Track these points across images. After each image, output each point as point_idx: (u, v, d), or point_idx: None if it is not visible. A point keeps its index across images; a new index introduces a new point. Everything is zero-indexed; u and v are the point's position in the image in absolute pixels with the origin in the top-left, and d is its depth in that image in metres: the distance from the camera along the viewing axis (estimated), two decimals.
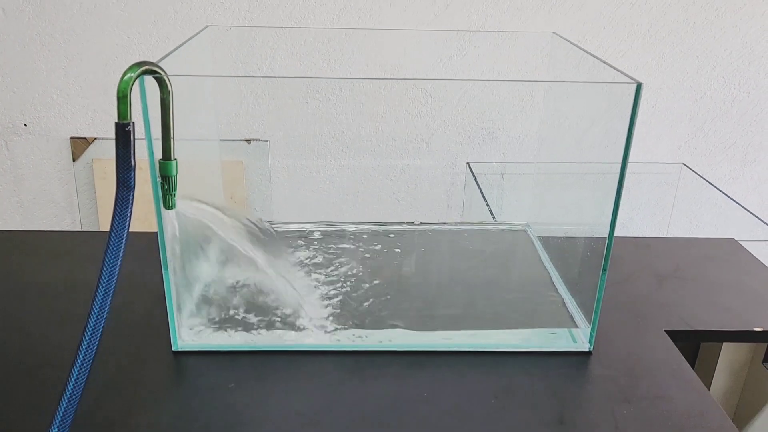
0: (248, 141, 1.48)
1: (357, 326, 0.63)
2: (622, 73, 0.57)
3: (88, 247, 0.81)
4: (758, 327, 0.67)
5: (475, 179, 1.44)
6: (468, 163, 1.47)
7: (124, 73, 0.49)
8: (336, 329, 0.62)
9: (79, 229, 1.51)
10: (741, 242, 1.16)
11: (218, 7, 1.38)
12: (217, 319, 0.63)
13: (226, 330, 0.62)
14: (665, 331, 0.66)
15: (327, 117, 1.47)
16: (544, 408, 0.55)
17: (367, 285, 0.68)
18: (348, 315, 0.64)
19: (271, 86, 1.44)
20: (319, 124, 1.47)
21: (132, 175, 0.50)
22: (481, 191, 1.42)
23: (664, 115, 1.50)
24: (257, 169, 1.49)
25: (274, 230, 0.76)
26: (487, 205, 1.36)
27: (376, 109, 1.46)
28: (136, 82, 0.50)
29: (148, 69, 0.51)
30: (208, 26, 0.75)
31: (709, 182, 1.43)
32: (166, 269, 0.57)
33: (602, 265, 0.60)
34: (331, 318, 0.63)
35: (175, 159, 0.55)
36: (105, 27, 1.38)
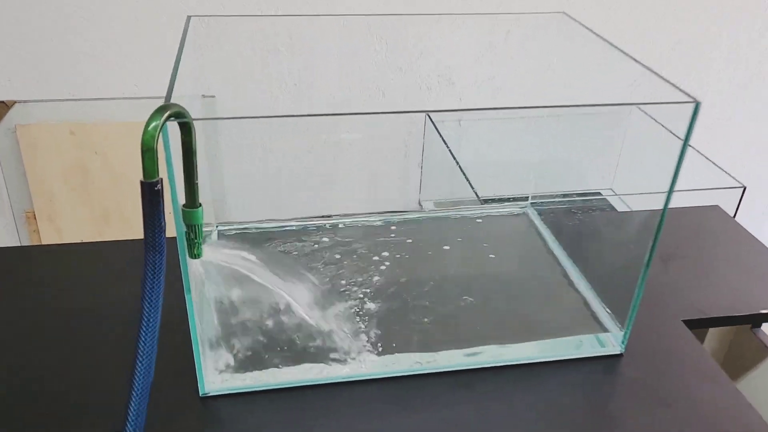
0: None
1: (386, 351, 0.60)
2: (679, 88, 0.55)
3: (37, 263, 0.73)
4: (764, 308, 0.70)
5: (437, 130, 1.40)
6: (427, 114, 1.43)
7: (148, 123, 0.42)
8: (368, 355, 0.60)
9: (7, 201, 1.37)
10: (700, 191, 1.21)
11: None
12: (245, 359, 0.58)
13: (255, 369, 0.58)
14: (683, 321, 0.68)
15: (276, 68, 1.37)
16: (588, 422, 0.56)
17: (383, 302, 0.66)
18: (376, 338, 0.61)
19: (214, 36, 1.32)
20: (268, 77, 1.37)
21: (162, 237, 0.44)
22: (444, 142, 1.39)
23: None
24: (204, 127, 1.39)
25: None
26: (453, 157, 1.34)
27: (330, 58, 1.38)
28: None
29: (172, 114, 0.43)
30: (191, 17, 0.65)
31: (662, 124, 1.45)
32: (192, 317, 0.52)
33: (645, 262, 0.60)
34: (361, 344, 0.60)
35: (200, 205, 0.49)
36: None
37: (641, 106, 1.43)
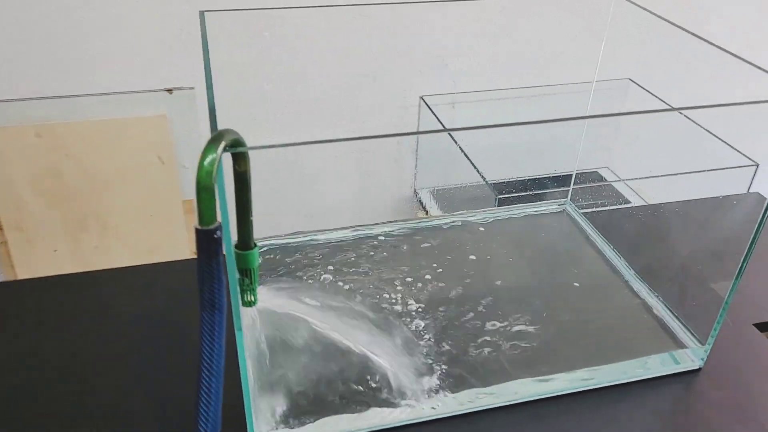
0: (170, 90, 1.26)
1: (456, 387, 0.54)
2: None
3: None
4: None
5: (433, 113, 1.33)
6: (422, 97, 1.36)
7: (203, 157, 0.34)
8: (435, 394, 0.53)
9: None
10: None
11: None
12: (301, 407, 0.51)
13: (313, 418, 0.51)
14: (753, 325, 0.63)
15: (264, 53, 1.27)
16: None
17: (440, 329, 0.59)
18: (443, 373, 0.55)
19: (192, 22, 1.21)
20: (255, 62, 1.27)
21: (223, 293, 0.36)
22: (441, 124, 1.32)
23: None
24: (184, 122, 1.29)
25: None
26: (454, 140, 1.27)
27: (321, 43, 1.29)
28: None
29: (229, 144, 0.36)
30: (203, 12, 0.57)
31: (658, 97, 1.41)
32: (245, 369, 0.45)
33: (737, 271, 0.55)
34: (428, 382, 0.54)
35: (255, 245, 0.41)
36: None
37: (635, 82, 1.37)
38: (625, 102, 1.58)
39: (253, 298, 0.42)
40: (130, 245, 1.35)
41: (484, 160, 1.32)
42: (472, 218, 0.75)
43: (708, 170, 1.21)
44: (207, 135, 1.35)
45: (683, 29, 0.61)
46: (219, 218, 0.35)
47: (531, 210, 0.77)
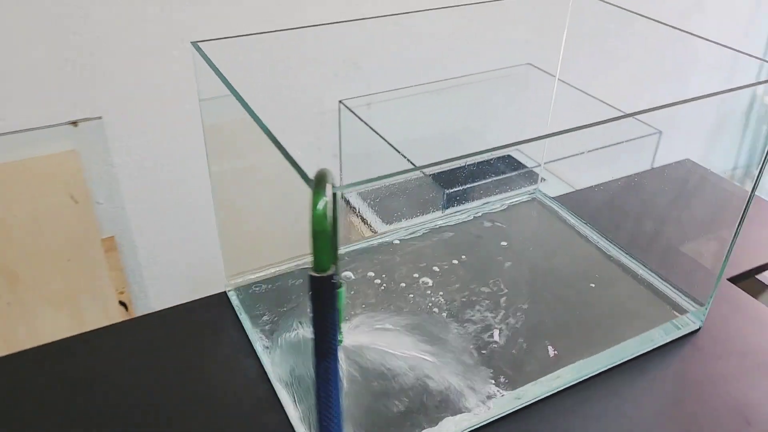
0: (74, 123, 1.16)
1: (513, 387, 0.55)
2: None
3: None
4: None
5: (355, 114, 1.33)
6: (341, 101, 1.36)
7: (315, 201, 0.33)
8: (493, 398, 0.54)
9: None
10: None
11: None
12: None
13: None
14: (727, 279, 0.70)
15: (165, 76, 1.22)
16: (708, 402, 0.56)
17: (479, 333, 0.60)
18: (503, 380, 0.56)
19: (90, 46, 1.13)
20: (161, 88, 1.21)
21: (336, 340, 0.35)
22: (366, 124, 1.33)
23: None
24: (94, 155, 1.20)
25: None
26: (381, 137, 1.28)
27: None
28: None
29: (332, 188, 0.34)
30: (192, 42, 0.53)
31: (559, 78, 1.50)
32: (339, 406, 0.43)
33: (729, 246, 0.60)
34: (491, 385, 0.55)
35: (342, 284, 0.39)
36: None
37: (535, 66, 1.45)
38: (528, 85, 1.66)
39: (340, 338, 0.40)
40: (48, 296, 1.23)
41: (411, 154, 1.34)
42: (444, 222, 0.76)
43: (619, 143, 1.30)
44: (121, 165, 1.27)
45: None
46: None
47: (503, 203, 0.80)
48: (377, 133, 1.29)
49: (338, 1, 1.32)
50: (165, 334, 0.60)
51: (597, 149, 1.26)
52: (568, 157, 1.48)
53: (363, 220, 1.39)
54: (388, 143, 1.27)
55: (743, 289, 0.69)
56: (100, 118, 1.18)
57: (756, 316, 0.65)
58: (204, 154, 1.32)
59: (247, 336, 0.58)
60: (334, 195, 0.34)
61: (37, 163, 1.15)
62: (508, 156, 1.60)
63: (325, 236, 0.33)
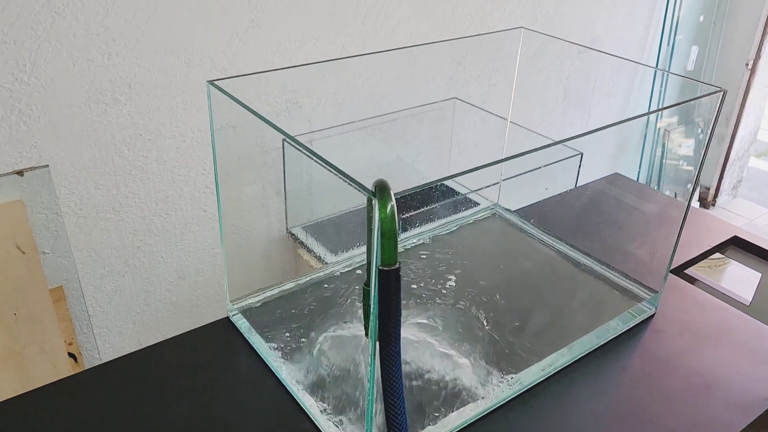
0: (20, 173, 1.15)
1: (503, 371, 0.62)
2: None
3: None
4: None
5: (302, 149, 1.38)
6: (283, 139, 1.40)
7: (382, 207, 0.38)
8: (497, 385, 0.60)
9: None
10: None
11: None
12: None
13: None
14: (670, 272, 0.80)
15: (112, 123, 1.23)
16: (681, 369, 0.65)
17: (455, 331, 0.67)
18: (495, 368, 0.62)
19: (37, 96, 1.12)
20: (105, 135, 1.22)
21: (399, 326, 0.40)
22: (326, 161, 1.38)
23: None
24: (41, 204, 1.18)
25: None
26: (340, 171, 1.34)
27: (172, 101, 1.27)
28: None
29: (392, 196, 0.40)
30: (209, 81, 0.57)
31: (482, 109, 1.62)
32: (371, 399, 0.48)
33: (676, 238, 0.69)
34: (487, 374, 0.61)
35: None
36: None
37: (461, 100, 1.57)
38: (454, 118, 1.77)
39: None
40: None
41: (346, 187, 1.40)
42: (416, 242, 0.83)
43: (545, 165, 1.42)
44: (69, 214, 1.28)
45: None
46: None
47: (466, 219, 0.87)
48: (324, 165, 1.35)
49: (289, 44, 1.38)
50: (176, 364, 0.62)
51: (525, 173, 1.38)
52: (502, 181, 1.59)
53: (310, 251, 1.43)
54: (335, 170, 1.33)
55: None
56: (46, 166, 1.17)
57: (698, 300, 0.75)
58: (146, 200, 1.33)
59: (259, 356, 0.62)
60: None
61: None
62: (442, 184, 1.69)
63: (392, 235, 0.38)
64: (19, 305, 1.20)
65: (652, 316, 0.73)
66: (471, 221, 0.87)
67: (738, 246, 0.89)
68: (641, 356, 0.67)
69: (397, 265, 0.39)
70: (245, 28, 1.32)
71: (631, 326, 0.71)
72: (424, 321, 0.62)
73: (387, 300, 0.39)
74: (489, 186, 1.65)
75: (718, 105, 0.62)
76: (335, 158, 1.66)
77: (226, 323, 0.66)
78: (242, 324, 0.65)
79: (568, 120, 2.03)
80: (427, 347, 0.59)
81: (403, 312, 0.62)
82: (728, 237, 0.89)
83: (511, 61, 1.58)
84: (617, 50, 2.12)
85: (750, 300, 0.80)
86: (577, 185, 1.09)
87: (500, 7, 1.76)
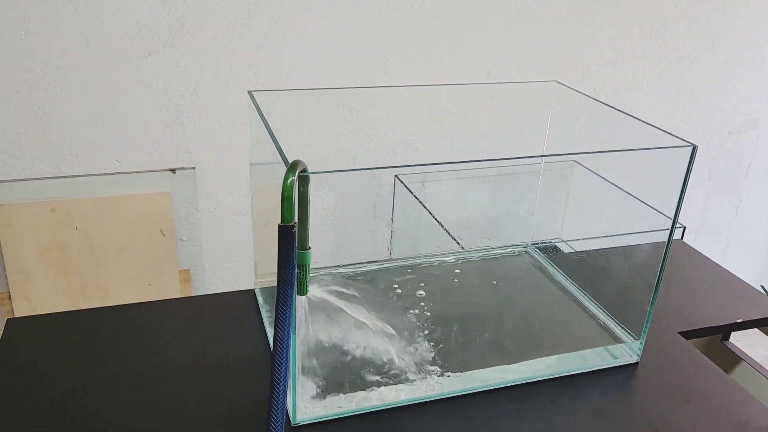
0: (173, 170, 1.41)
1: (449, 369, 0.68)
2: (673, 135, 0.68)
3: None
4: (738, 318, 0.84)
5: (407, 188, 1.51)
6: (396, 176, 1.55)
7: (286, 177, 0.50)
8: (447, 376, 0.67)
9: None
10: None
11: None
12: (331, 388, 0.65)
13: (340, 396, 0.64)
14: (678, 333, 0.80)
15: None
16: (624, 422, 0.66)
17: (438, 332, 0.74)
18: (447, 363, 0.69)
19: (196, 112, 1.39)
20: (244, 149, 1.45)
21: (294, 273, 0.51)
22: (418, 199, 1.50)
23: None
24: (184, 199, 1.44)
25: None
26: (429, 212, 1.45)
27: (304, 124, 1.48)
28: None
29: (302, 170, 0.51)
30: (251, 92, 0.74)
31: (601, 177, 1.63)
32: (294, 351, 0.58)
33: (656, 282, 0.71)
34: (435, 368, 0.68)
35: (310, 247, 0.56)
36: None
37: (578, 158, 1.61)
38: (572, 179, 1.80)
39: (305, 289, 0.56)
40: None
41: (455, 230, 1.50)
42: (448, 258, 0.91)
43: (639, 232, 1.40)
44: (206, 210, 1.52)
45: (610, 105, 0.81)
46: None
47: (498, 252, 0.94)
48: (425, 207, 1.46)
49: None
50: (202, 316, 0.78)
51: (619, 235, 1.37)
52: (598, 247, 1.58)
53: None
54: (434, 218, 1.44)
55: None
56: (193, 168, 1.43)
57: (691, 367, 0.74)
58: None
59: (263, 324, 0.75)
60: (305, 176, 0.52)
61: (138, 200, 1.40)
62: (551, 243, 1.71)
63: (289, 200, 0.49)
64: (154, 279, 1.46)
65: (635, 365, 0.74)
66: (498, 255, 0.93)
67: None
68: (600, 396, 0.69)
69: (292, 224, 0.50)
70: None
71: (603, 367, 0.73)
72: (379, 322, 0.70)
73: (284, 251, 0.50)
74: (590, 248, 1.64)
75: None
76: (444, 201, 1.76)
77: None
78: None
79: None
80: (381, 331, 0.68)
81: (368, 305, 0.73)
82: None
83: None
84: None
85: None
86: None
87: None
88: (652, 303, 0.71)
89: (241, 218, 1.50)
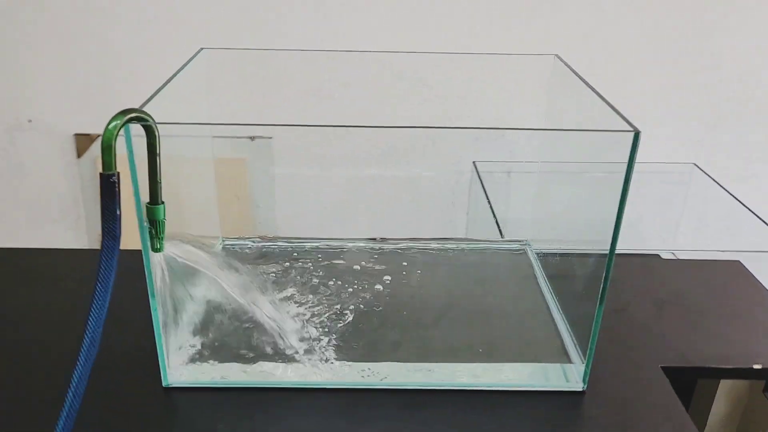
0: (252, 138, 1.47)
1: (351, 359, 0.62)
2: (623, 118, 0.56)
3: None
4: (758, 363, 0.66)
5: (480, 179, 1.42)
6: (474, 162, 1.46)
7: (109, 122, 0.49)
8: (331, 363, 0.62)
9: (84, 226, 1.51)
10: (749, 252, 1.15)
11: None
12: (208, 355, 0.63)
13: (217, 365, 0.62)
14: (661, 367, 0.65)
15: (331, 117, 1.45)
16: None
17: (358, 313, 0.68)
18: (345, 348, 0.64)
19: (274, 87, 1.42)
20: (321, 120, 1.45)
21: (118, 225, 0.49)
22: (485, 191, 1.41)
23: (676, 113, 1.48)
24: (260, 166, 1.49)
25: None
26: (490, 206, 1.35)
27: (383, 109, 1.45)
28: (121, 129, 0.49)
29: (134, 117, 0.50)
30: (202, 49, 0.73)
31: (719, 185, 1.40)
32: (155, 309, 0.57)
33: (599, 298, 0.59)
34: (326, 352, 0.63)
35: (163, 203, 0.54)
36: (109, 25, 1.37)
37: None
38: (690, 186, 1.57)
39: (159, 246, 0.55)
40: None
41: (534, 228, 1.38)
42: (442, 246, 0.84)
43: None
44: (279, 179, 1.55)
45: None
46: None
47: (494, 246, 0.85)
48: (491, 207, 1.36)
49: None
50: None
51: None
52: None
53: None
54: (494, 216, 1.33)
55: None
56: (271, 137, 1.46)
57: (650, 410, 0.60)
58: None
59: None
60: (148, 125, 0.50)
61: (216, 165, 1.47)
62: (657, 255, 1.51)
63: (110, 149, 0.48)
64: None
65: (580, 393, 0.62)
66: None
67: None
68: (518, 421, 0.59)
69: (113, 172, 0.48)
70: None
71: (540, 389, 0.62)
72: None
73: (108, 201, 0.48)
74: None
75: None
76: (522, 192, 1.61)
77: None
78: None
79: None
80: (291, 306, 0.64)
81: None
82: None
83: None
84: None
85: None
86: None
87: None
88: (596, 322, 0.59)
89: (314, 193, 1.51)
